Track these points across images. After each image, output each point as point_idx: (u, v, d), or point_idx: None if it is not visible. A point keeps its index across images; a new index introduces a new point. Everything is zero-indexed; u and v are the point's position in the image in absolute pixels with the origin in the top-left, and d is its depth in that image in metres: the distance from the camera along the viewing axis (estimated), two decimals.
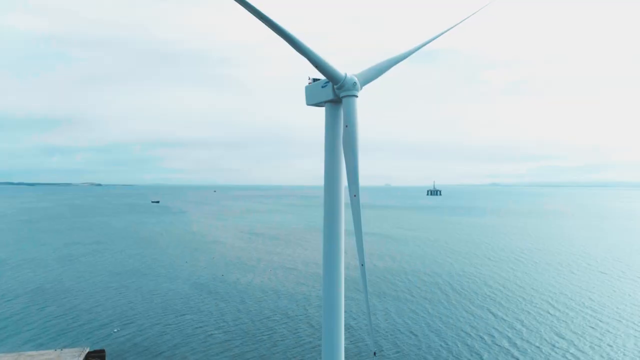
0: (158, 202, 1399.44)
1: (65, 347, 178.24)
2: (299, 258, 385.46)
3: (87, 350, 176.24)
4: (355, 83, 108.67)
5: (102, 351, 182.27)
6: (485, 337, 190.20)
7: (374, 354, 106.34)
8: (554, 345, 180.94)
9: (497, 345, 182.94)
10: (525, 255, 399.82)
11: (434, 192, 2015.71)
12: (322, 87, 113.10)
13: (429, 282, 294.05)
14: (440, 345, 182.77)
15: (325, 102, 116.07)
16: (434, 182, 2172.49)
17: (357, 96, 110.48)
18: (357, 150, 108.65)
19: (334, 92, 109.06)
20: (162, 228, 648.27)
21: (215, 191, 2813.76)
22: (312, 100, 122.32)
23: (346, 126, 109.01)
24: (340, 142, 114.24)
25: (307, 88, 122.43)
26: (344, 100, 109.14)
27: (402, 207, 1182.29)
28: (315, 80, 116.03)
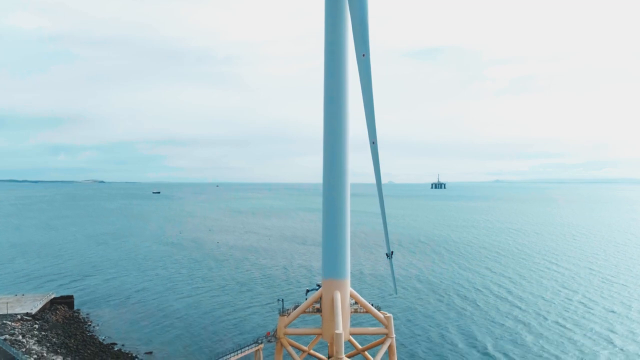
0: (159, 192, 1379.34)
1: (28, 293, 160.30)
2: (285, 227, 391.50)
3: (53, 295, 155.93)
4: None
5: (70, 297, 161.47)
6: (486, 287, 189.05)
7: (387, 255, 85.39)
8: (534, 296, 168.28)
9: (488, 290, 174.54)
10: (526, 228, 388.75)
11: (439, 186, 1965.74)
12: None
13: (436, 247, 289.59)
14: (440, 286, 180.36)
15: None
16: (438, 175, 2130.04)
17: None
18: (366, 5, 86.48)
19: None
20: (157, 208, 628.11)
21: (217, 186, 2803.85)
22: None
23: None
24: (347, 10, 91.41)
25: None
26: None
27: (409, 196, 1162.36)
28: None
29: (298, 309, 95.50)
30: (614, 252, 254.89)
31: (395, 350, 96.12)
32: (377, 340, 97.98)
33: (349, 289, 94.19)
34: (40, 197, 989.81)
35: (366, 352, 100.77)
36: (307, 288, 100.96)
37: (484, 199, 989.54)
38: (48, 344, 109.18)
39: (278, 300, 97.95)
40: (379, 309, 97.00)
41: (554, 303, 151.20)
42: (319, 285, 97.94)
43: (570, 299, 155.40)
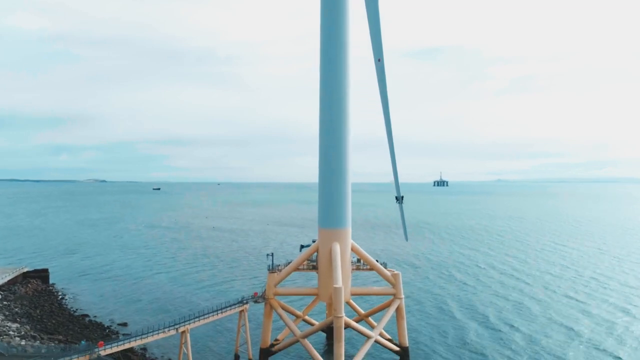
0: (159, 188, 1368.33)
1: None
2: (277, 214, 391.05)
3: (25, 269, 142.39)
4: None
5: (45, 271, 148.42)
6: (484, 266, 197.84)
7: (397, 199, 74.19)
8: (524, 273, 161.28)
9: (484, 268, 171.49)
10: (526, 217, 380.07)
11: (441, 183, 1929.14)
12: None
13: (442, 232, 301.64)
14: (443, 265, 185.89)
15: None
16: (440, 173, 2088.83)
17: None
18: None
19: None
20: (155, 201, 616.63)
21: (219, 184, 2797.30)
22: None
23: None
24: None
25: None
26: None
27: (412, 192, 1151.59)
28: None
29: (290, 264, 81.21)
30: (618, 236, 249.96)
31: (404, 313, 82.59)
32: (383, 302, 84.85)
33: (350, 241, 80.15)
34: (39, 193, 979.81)
35: (370, 318, 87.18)
36: (302, 243, 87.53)
37: (487, 194, 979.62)
38: (7, 313, 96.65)
39: (267, 255, 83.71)
40: (385, 265, 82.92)
41: (551, 275, 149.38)
42: (315, 241, 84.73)
43: (563, 273, 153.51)
